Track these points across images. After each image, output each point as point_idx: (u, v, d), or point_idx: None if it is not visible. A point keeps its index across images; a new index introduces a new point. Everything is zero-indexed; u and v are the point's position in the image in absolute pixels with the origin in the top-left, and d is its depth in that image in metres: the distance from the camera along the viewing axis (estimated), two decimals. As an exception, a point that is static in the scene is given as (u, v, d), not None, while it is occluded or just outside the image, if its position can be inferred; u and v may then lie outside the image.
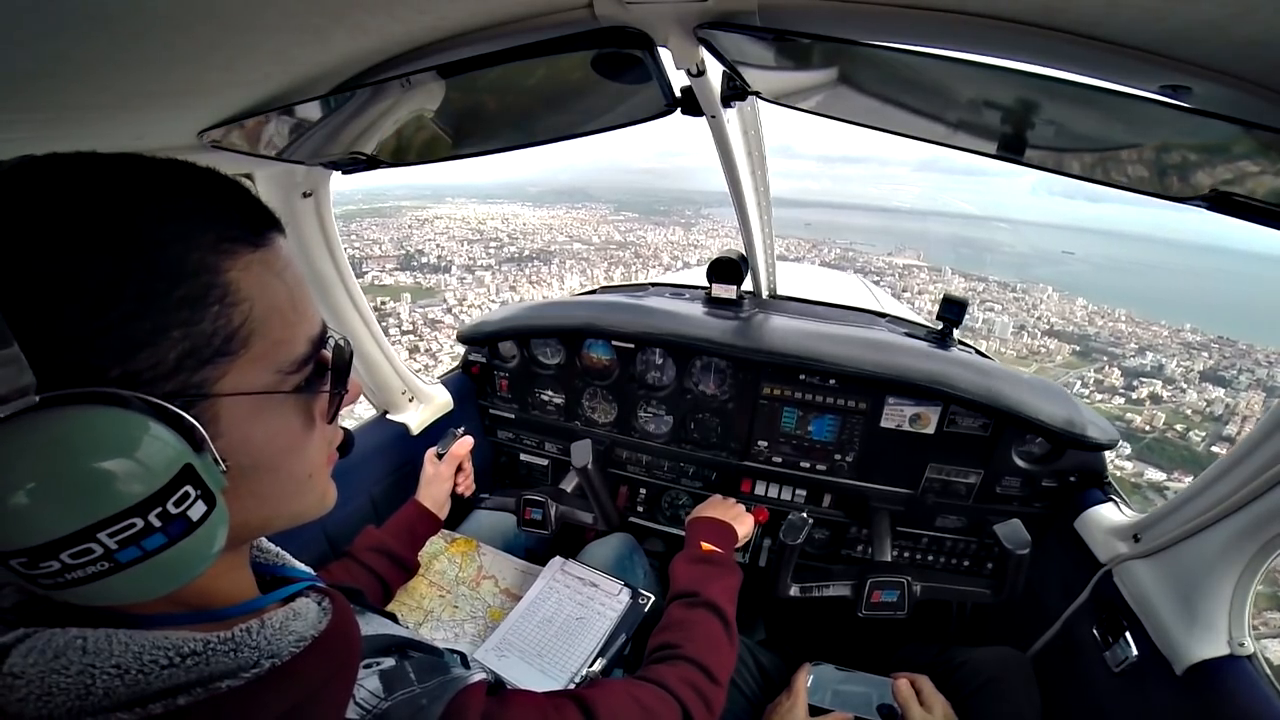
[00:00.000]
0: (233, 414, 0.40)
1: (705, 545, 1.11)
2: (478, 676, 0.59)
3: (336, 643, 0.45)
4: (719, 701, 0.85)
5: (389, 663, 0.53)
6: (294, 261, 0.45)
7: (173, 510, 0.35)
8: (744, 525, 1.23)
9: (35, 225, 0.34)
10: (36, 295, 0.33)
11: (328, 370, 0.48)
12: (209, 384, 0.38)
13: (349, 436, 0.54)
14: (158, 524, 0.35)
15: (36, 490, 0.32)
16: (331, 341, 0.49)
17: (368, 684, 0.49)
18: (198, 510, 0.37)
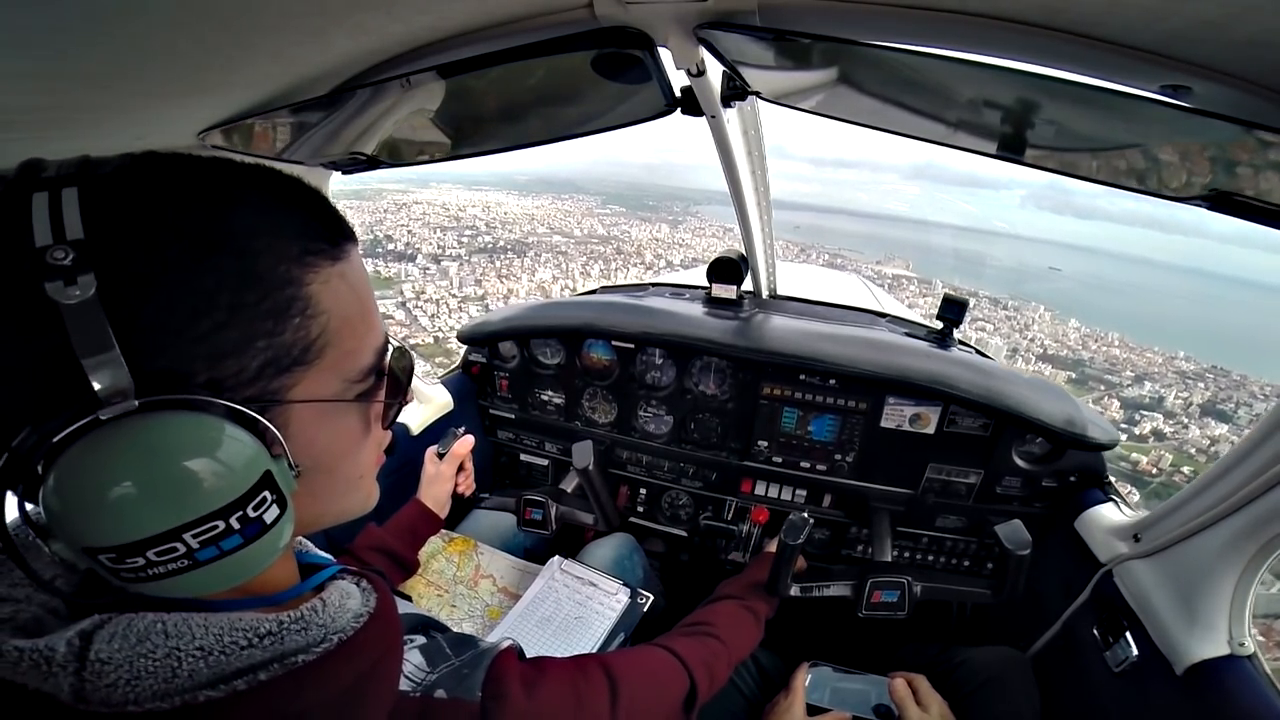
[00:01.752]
0: (301, 419, 0.41)
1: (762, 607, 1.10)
2: (506, 643, 0.63)
3: (386, 619, 0.47)
4: (721, 682, 0.93)
5: (421, 639, 0.58)
6: (364, 272, 0.47)
7: (251, 514, 0.37)
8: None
9: (138, 233, 0.35)
10: (136, 302, 0.34)
11: (385, 377, 0.49)
12: (283, 391, 0.40)
13: (395, 439, 0.56)
14: (237, 526, 0.37)
15: (135, 490, 0.34)
16: (390, 349, 0.50)
17: (412, 658, 0.54)
18: (272, 513, 0.39)
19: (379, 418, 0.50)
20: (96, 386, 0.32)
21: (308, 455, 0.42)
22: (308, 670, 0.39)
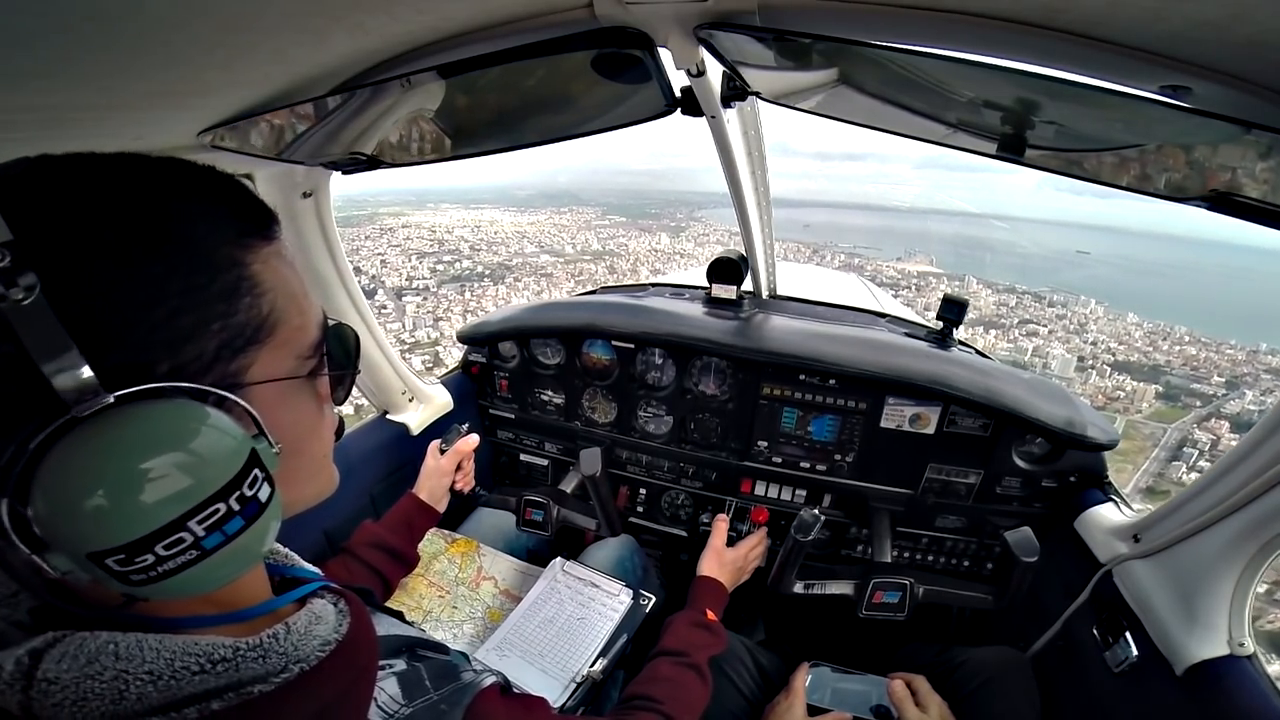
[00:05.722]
0: (263, 400, 0.41)
1: (710, 614, 1.14)
2: (489, 680, 0.61)
3: (358, 646, 0.46)
4: None
5: (401, 665, 0.55)
6: (293, 255, 0.47)
7: (248, 493, 0.37)
8: (747, 576, 1.34)
9: (73, 228, 0.34)
10: (85, 297, 0.33)
11: (327, 353, 0.50)
12: (242, 373, 0.40)
13: (341, 421, 0.56)
14: (237, 507, 0.37)
15: (135, 484, 0.33)
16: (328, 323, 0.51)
17: (387, 688, 0.51)
18: (264, 491, 0.39)
19: (327, 396, 0.51)
20: (61, 388, 0.32)
21: (276, 437, 0.42)
22: (264, 701, 0.38)
